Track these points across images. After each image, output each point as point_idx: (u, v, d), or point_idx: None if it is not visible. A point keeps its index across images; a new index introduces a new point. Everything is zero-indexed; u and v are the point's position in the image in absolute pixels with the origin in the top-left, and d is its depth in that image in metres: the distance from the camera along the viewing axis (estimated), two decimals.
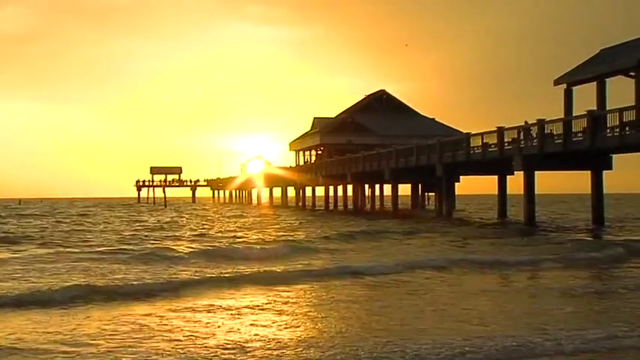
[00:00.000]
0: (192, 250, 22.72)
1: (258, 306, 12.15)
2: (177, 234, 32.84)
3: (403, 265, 17.65)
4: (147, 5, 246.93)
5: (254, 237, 29.63)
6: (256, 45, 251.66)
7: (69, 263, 18.69)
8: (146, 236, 31.01)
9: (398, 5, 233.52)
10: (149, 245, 25.07)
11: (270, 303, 12.48)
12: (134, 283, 14.74)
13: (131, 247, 24.24)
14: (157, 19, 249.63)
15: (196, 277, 15.77)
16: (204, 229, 37.58)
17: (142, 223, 44.94)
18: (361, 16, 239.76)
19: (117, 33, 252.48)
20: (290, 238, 27.98)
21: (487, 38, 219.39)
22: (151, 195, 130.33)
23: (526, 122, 34.98)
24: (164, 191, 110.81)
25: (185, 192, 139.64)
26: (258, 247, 24.01)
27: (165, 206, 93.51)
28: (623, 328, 9.89)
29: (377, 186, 71.48)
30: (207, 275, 16.16)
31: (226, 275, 16.15)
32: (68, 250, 23.18)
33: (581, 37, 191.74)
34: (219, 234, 32.18)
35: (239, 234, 31.98)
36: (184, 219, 52.60)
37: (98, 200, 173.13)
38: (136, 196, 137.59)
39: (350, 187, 64.10)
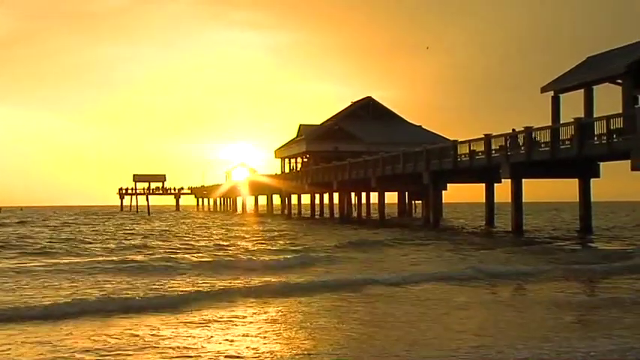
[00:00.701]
0: (195, 260, 22.27)
1: (261, 318, 11.99)
2: (175, 243, 32.37)
3: (416, 276, 17.56)
4: (130, 11, 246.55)
5: (257, 246, 29.26)
6: (242, 51, 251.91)
7: (61, 275, 18.37)
8: (145, 246, 30.47)
9: (385, 12, 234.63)
10: (149, 255, 24.48)
11: (276, 316, 12.33)
12: (130, 295, 14.42)
13: (130, 257, 23.77)
14: (140, 24, 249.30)
15: (204, 290, 15.32)
16: (201, 238, 36.94)
17: (135, 232, 44.41)
18: (347, 23, 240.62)
19: (99, 38, 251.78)
20: (294, 248, 27.58)
21: (474, 45, 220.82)
22: (133, 203, 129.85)
23: (513, 130, 35.16)
24: (147, 199, 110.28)
25: (169, 200, 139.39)
26: (267, 258, 23.51)
27: (149, 214, 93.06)
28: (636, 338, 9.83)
29: (363, 194, 71.52)
30: (218, 287, 15.72)
31: (237, 287, 15.89)
32: (62, 261, 22.77)
33: (567, 44, 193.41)
34: (219, 243, 31.64)
35: (241, 243, 31.38)
36: (177, 227, 52.13)
37: (80, 208, 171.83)
38: (119, 204, 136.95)
39: (336, 195, 64.10)
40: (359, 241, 30.94)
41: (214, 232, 44.41)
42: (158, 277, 17.83)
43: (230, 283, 16.62)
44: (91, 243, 33.56)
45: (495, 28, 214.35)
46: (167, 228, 51.97)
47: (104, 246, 30.95)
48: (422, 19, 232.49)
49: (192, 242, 33.29)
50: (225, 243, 32.01)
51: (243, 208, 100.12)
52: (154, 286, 15.92)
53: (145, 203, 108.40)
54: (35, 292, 15.04)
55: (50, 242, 33.78)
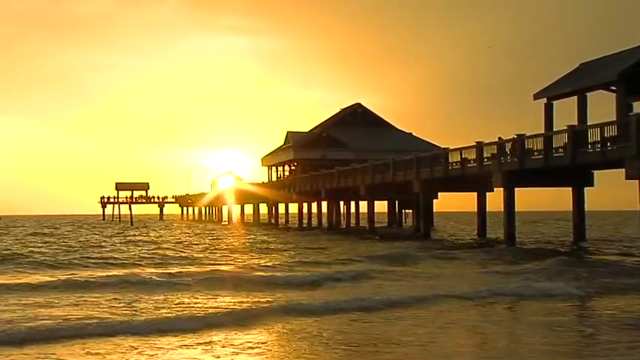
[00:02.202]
0: (257, 275, 21.46)
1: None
2: (185, 254, 31.37)
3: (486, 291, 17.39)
4: (112, 16, 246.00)
5: (285, 258, 28.24)
6: (227, 56, 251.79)
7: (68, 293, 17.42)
8: (160, 257, 29.51)
9: (373, 19, 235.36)
10: (166, 269, 23.40)
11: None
12: (159, 317, 13.69)
13: (150, 270, 23.01)
14: (122, 30, 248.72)
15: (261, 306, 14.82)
16: (215, 249, 35.51)
17: (142, 242, 43.42)
18: (335, 29, 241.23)
19: (80, 44, 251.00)
20: (327, 260, 26.60)
21: (465, 52, 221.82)
22: (116, 212, 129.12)
23: (500, 138, 35.38)
24: (130, 208, 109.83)
25: (152, 209, 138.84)
26: (321, 270, 22.86)
27: (132, 224, 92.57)
28: None
29: (352, 203, 71.50)
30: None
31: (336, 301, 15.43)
32: (71, 274, 21.90)
33: (558, 50, 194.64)
34: (236, 256, 30.49)
35: (260, 255, 30.37)
36: (179, 237, 51.23)
37: (60, 218, 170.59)
38: (101, 213, 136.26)
39: (324, 204, 63.97)
40: (394, 254, 29.42)
41: (227, 241, 43.28)
42: (198, 295, 17.06)
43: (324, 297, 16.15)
44: (102, 252, 32.80)
45: (487, 34, 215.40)
46: (176, 236, 50.80)
47: (123, 256, 30.25)
48: (412, 26, 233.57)
49: (214, 252, 32.33)
50: (253, 255, 30.81)
51: (229, 217, 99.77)
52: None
53: (128, 212, 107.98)
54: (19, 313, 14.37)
55: (58, 253, 33.02)
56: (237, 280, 19.79)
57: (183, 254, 31.94)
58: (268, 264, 25.41)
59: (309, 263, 25.90)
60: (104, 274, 21.85)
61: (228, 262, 26.83)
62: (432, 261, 27.09)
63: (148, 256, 30.84)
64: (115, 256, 30.59)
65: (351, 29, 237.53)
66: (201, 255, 31.30)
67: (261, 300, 16.07)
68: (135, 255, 31.25)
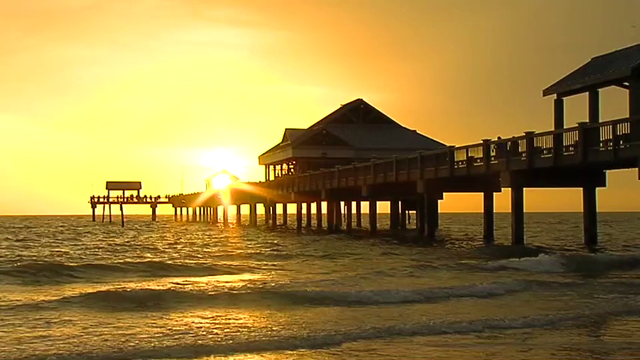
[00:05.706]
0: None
1: None
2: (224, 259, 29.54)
3: None
4: (101, 8, 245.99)
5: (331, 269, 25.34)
6: (222, 50, 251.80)
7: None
8: (212, 266, 26.71)
9: (374, 13, 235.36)
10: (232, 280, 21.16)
11: None
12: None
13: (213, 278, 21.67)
14: (111, 22, 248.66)
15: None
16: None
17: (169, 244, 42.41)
18: (334, 22, 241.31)
19: (67, 37, 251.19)
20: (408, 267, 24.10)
21: (472, 46, 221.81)
22: (106, 212, 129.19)
23: (499, 138, 35.54)
24: (121, 208, 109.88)
25: (144, 209, 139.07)
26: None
27: (123, 225, 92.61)
28: None
29: (353, 203, 71.52)
30: None
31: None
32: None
33: (568, 44, 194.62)
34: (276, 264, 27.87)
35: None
36: (199, 240, 50.03)
37: (49, 218, 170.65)
38: (91, 213, 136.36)
39: (324, 205, 64.01)
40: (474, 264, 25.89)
41: (250, 245, 41.93)
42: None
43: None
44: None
45: (493, 28, 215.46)
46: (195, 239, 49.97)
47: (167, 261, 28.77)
48: (416, 21, 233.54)
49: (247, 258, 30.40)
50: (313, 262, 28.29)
51: (224, 218, 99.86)
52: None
53: (119, 213, 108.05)
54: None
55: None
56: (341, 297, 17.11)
57: (220, 259, 29.90)
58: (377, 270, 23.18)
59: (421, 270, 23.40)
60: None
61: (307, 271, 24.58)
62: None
63: (193, 262, 28.59)
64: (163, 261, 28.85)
65: (352, 22, 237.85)
66: (261, 262, 28.54)
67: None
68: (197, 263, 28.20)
